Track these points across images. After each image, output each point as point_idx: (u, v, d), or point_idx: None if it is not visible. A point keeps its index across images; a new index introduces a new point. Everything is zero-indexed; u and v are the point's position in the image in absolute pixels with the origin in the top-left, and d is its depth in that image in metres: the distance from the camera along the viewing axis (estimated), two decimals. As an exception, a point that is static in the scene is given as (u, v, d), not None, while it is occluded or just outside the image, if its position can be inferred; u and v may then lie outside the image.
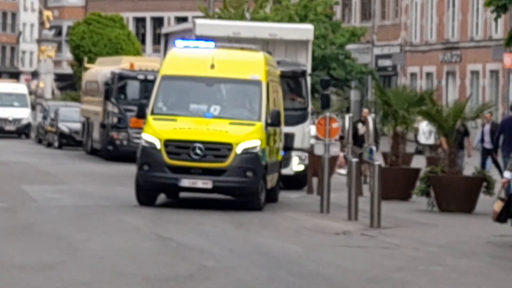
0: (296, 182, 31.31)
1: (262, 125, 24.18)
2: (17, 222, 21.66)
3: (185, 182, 23.48)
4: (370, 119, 32.40)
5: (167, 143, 23.59)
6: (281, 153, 27.02)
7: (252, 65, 25.07)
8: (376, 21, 72.03)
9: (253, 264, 16.78)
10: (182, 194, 25.38)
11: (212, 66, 24.65)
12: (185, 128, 23.98)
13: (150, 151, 23.67)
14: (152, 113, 24.42)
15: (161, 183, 23.77)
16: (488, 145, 33.01)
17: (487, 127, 33.98)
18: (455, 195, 25.42)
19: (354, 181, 23.74)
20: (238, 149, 23.52)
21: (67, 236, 19.40)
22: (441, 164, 27.88)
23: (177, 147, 23.69)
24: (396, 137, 29.87)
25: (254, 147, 23.66)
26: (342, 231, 21.39)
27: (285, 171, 31.20)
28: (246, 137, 23.77)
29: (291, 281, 15.15)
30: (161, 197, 25.28)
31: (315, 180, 28.56)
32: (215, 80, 24.86)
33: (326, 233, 21.21)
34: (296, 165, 31.10)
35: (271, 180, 25.44)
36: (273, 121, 24.42)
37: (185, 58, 25.71)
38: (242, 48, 26.27)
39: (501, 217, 19.43)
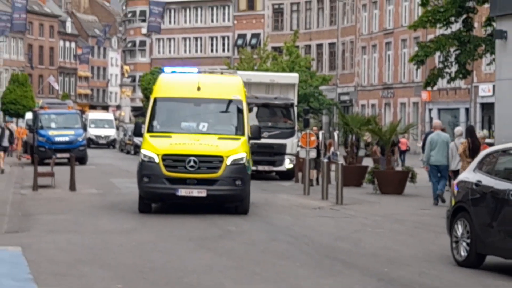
0: (288, 175, 31.03)
1: (246, 139, 19.11)
2: (107, 202, 21.63)
3: (182, 191, 18.15)
4: (335, 134, 32.28)
5: (165, 157, 18.26)
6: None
7: (233, 87, 19.83)
8: (339, 70, 71.95)
9: (260, 228, 16.75)
10: None
11: (198, 89, 19.42)
12: (179, 143, 18.55)
13: (149, 164, 18.33)
14: (148, 131, 19.15)
15: (160, 193, 18.40)
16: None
17: None
18: (391, 183, 25.32)
19: (325, 174, 23.70)
20: (228, 161, 18.24)
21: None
22: (376, 165, 27.95)
23: (174, 160, 18.27)
24: (352, 146, 29.83)
25: (241, 159, 18.45)
26: (318, 207, 21.27)
27: (280, 168, 31.22)
28: (235, 150, 18.48)
29: (285, 240, 15.15)
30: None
31: (300, 174, 28.51)
32: (202, 100, 19.52)
33: (308, 208, 21.10)
34: (287, 164, 30.98)
35: None
36: (254, 135, 19.63)
37: (174, 82, 20.19)
38: (221, 73, 22.42)
39: None
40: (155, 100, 19.51)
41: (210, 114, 19.77)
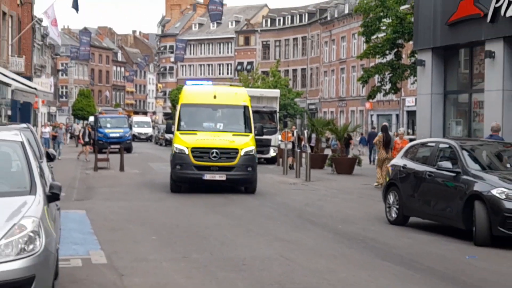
0: (272, 160, 31.02)
1: (253, 135, 17.96)
2: (145, 180, 21.55)
3: (207, 176, 17.00)
4: (305, 132, 32.23)
5: (193, 149, 17.08)
6: None
7: (241, 96, 18.57)
8: (308, 87, 71.90)
9: (253, 198, 16.71)
10: None
11: (215, 97, 18.27)
12: (204, 139, 17.26)
13: (181, 155, 17.13)
14: (178, 129, 17.82)
15: (190, 177, 17.16)
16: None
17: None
18: (344, 166, 25.36)
19: (298, 160, 23.72)
20: (242, 152, 17.20)
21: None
22: (334, 154, 27.94)
23: (200, 152, 17.06)
24: (317, 141, 29.82)
25: (252, 150, 17.37)
26: (293, 183, 21.25)
27: (267, 156, 31.19)
28: (247, 144, 17.39)
29: (270, 206, 15.13)
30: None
31: (280, 160, 28.46)
32: (218, 106, 18.32)
33: (286, 184, 21.10)
34: (272, 153, 30.95)
35: None
36: (258, 132, 18.52)
37: (195, 91, 18.72)
38: (231, 85, 20.76)
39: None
40: (181, 106, 18.31)
41: (224, 116, 18.48)
